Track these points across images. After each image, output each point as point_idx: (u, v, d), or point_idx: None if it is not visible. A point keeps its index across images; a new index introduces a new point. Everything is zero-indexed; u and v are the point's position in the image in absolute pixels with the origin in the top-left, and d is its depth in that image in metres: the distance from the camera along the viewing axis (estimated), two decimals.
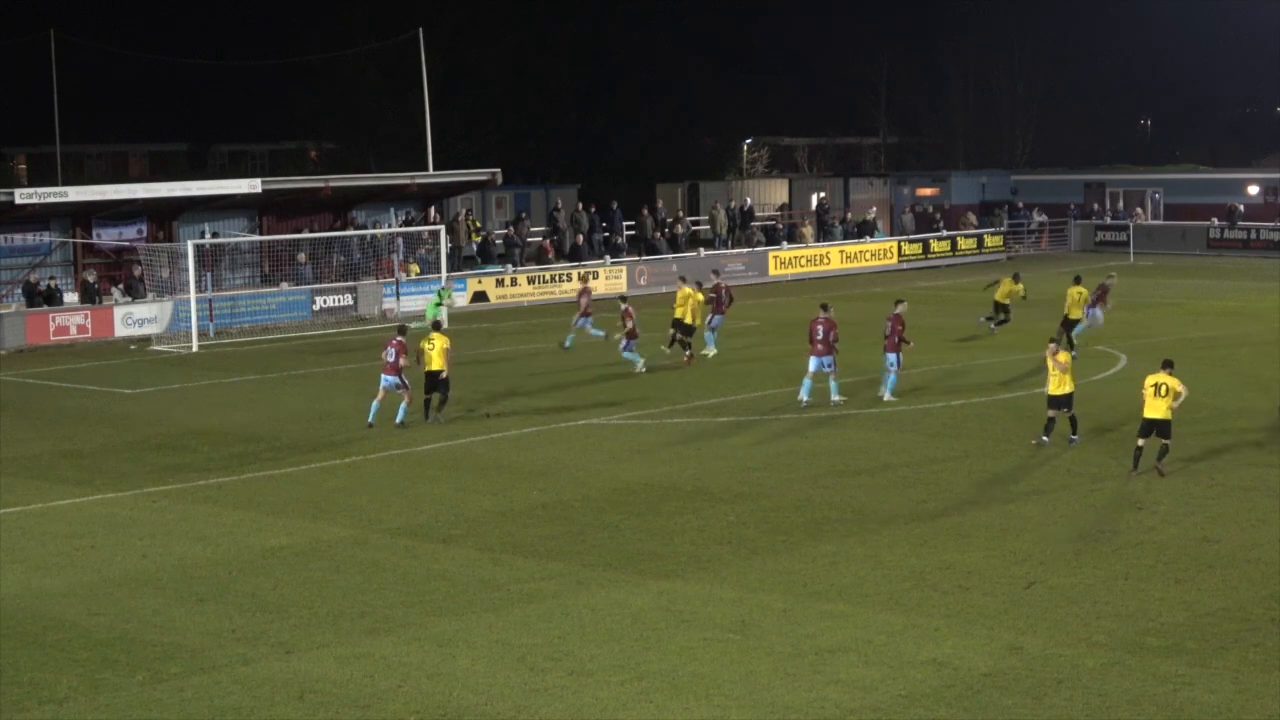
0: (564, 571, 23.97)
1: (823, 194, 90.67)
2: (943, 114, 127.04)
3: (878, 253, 77.15)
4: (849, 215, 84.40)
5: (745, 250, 74.01)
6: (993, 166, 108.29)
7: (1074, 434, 32.28)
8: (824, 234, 79.85)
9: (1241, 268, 74.41)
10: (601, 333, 47.44)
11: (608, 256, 69.72)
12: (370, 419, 35.54)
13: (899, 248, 78.18)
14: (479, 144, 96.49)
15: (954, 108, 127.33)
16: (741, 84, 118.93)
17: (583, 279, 59.80)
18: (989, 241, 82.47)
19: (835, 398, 37.26)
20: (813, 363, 37.43)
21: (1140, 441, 29.55)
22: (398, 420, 35.37)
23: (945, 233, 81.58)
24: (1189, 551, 24.43)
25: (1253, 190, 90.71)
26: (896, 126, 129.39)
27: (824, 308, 38.36)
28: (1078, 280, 46.99)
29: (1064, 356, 31.99)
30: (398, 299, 59.46)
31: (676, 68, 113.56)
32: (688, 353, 44.63)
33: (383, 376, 35.58)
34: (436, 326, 37.69)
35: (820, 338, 37.22)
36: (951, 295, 63.67)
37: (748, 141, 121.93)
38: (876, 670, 19.48)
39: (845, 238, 79.06)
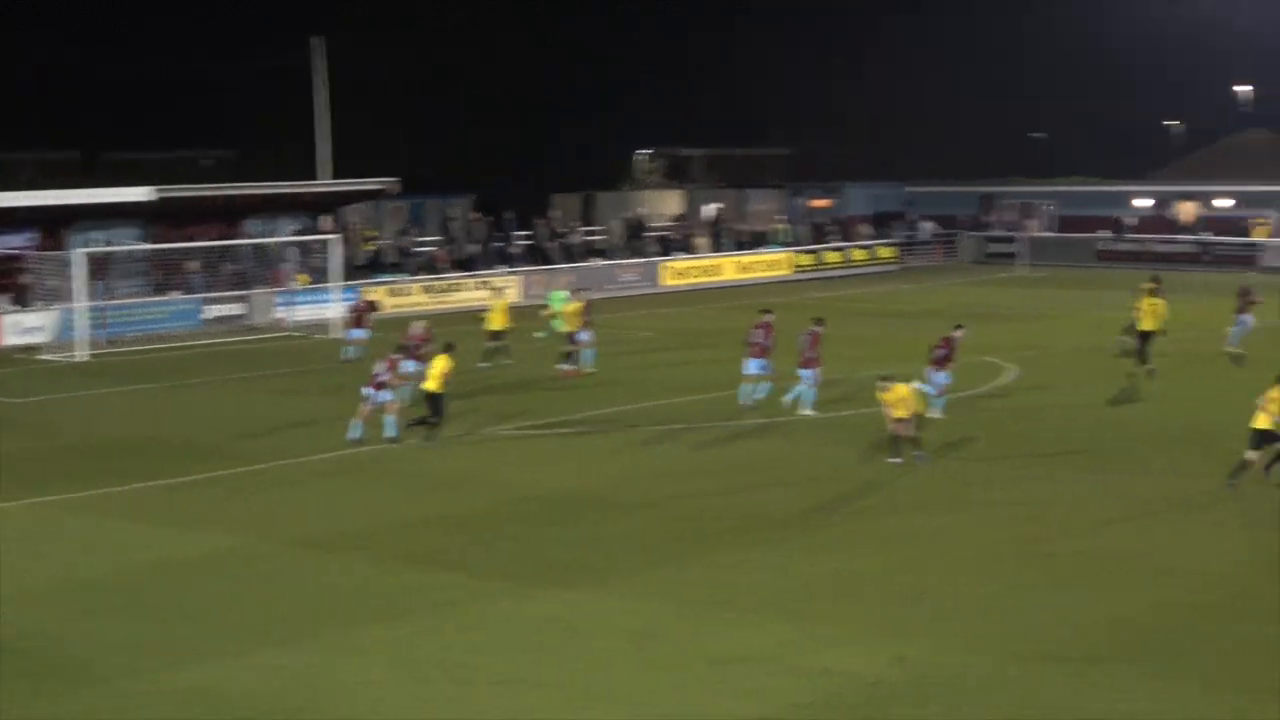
0: (461, 582, 23.85)
1: (718, 205, 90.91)
2: (837, 126, 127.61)
3: (771, 263, 77.40)
4: (744, 226, 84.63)
5: (639, 260, 74.06)
6: (887, 178, 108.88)
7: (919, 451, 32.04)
8: (718, 245, 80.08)
9: (1131, 279, 75.01)
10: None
11: (502, 266, 69.52)
12: (357, 434, 34.57)
13: (793, 258, 78.48)
14: (376, 153, 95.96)
15: (849, 119, 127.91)
16: (640, 94, 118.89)
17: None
18: (882, 253, 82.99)
19: (806, 410, 37.23)
20: (752, 365, 37.79)
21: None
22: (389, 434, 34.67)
23: (839, 243, 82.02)
24: (1080, 559, 24.62)
25: (1142, 202, 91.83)
26: (792, 137, 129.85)
27: (766, 312, 38.83)
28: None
29: (901, 390, 31.92)
30: (290, 308, 58.98)
31: (574, 78, 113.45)
32: (569, 365, 44.55)
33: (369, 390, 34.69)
34: (449, 349, 35.40)
35: (759, 341, 37.71)
36: (844, 306, 63.94)
37: (643, 152, 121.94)
38: (770, 679, 19.50)
39: (740, 248, 79.30)
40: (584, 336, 45.34)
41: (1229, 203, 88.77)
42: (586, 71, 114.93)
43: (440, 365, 34.33)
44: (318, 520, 27.93)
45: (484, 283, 64.18)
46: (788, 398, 37.57)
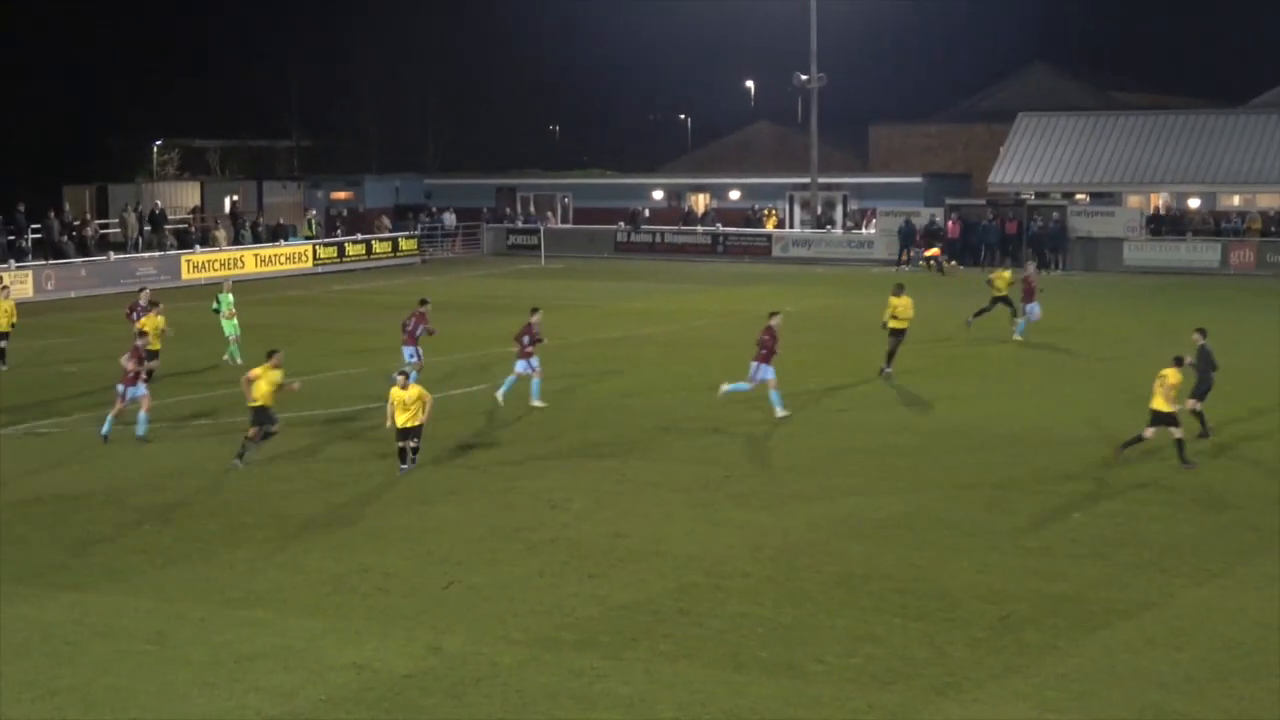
0: None
1: (235, 197, 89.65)
2: (354, 117, 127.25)
3: (292, 256, 76.69)
4: (261, 219, 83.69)
5: (158, 254, 72.50)
6: (407, 170, 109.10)
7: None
8: (237, 237, 79.01)
9: (648, 270, 77.05)
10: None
11: (12, 261, 67.15)
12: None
13: (314, 251, 77.91)
14: None
15: (366, 110, 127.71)
16: (150, 83, 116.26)
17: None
18: (404, 245, 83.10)
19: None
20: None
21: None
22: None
23: (360, 236, 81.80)
24: (601, 547, 25.13)
25: (657, 195, 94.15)
26: (309, 129, 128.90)
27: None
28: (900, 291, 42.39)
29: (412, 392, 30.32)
30: None
31: (83, 63, 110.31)
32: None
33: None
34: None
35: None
36: (366, 298, 63.82)
37: (158, 143, 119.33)
38: (296, 675, 19.35)
39: (258, 241, 78.39)
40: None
41: (738, 194, 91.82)
42: (97, 58, 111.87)
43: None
44: None
45: None
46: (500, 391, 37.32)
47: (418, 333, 39.47)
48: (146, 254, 72.65)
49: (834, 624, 21.20)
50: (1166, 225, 77.09)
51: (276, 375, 30.95)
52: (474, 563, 24.25)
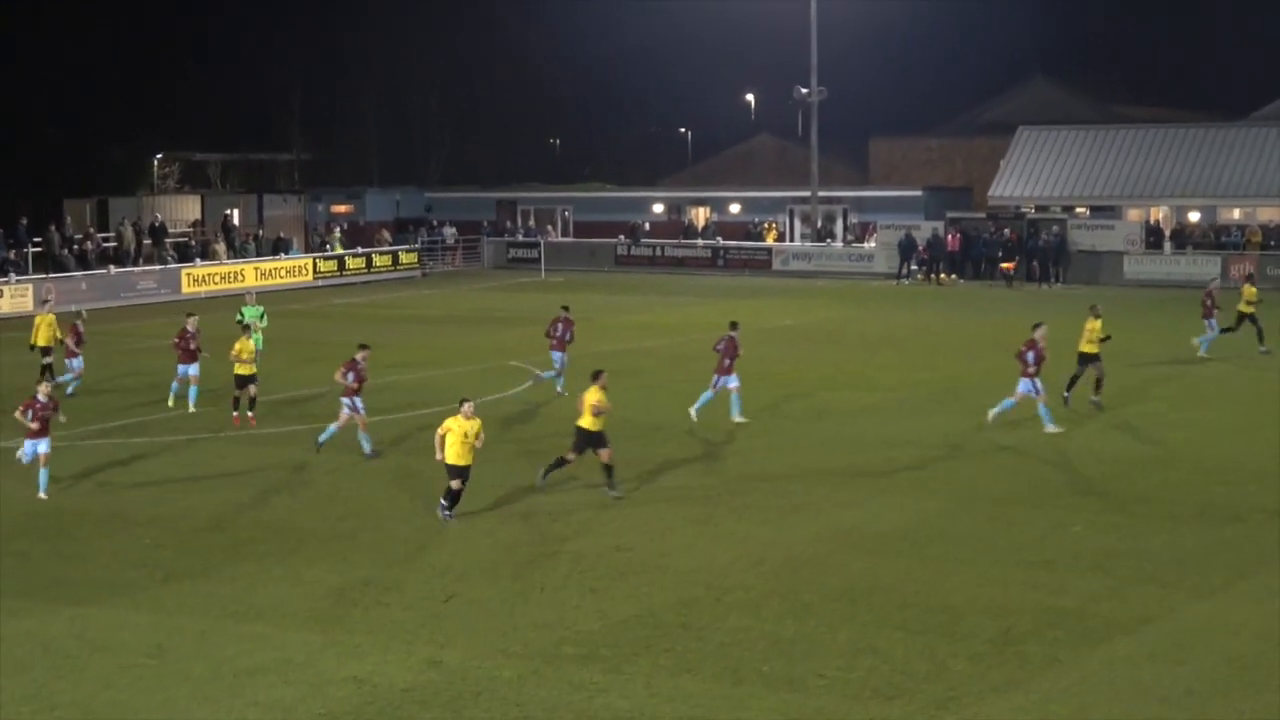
0: None
1: (236, 210, 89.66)
2: (355, 130, 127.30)
3: (293, 269, 76.69)
4: (261, 232, 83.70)
5: (158, 267, 72.52)
6: (407, 184, 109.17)
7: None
8: (237, 250, 79.05)
9: (648, 283, 77.06)
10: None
11: (13, 274, 67.16)
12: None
13: (314, 265, 77.92)
14: None
15: (367, 124, 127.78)
16: (151, 96, 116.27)
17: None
18: (404, 258, 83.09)
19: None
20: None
21: None
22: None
23: (360, 250, 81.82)
24: (602, 560, 25.11)
25: (657, 208, 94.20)
26: (310, 142, 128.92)
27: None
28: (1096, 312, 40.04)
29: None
30: None
31: (83, 77, 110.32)
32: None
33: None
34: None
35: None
36: (366, 312, 63.84)
37: (158, 157, 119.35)
38: (296, 690, 19.33)
39: (260, 255, 78.43)
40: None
41: (738, 207, 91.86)
42: (99, 71, 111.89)
43: None
44: None
45: None
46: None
47: (566, 338, 41.13)
48: (146, 267, 72.65)
49: (835, 638, 21.17)
50: (1168, 238, 77.08)
51: (597, 396, 29.28)
52: (474, 576, 24.24)
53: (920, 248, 76.46)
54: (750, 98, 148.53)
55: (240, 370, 36.51)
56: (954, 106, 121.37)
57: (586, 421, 29.02)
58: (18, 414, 29.94)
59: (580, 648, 20.86)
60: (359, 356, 33.52)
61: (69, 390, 41.22)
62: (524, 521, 27.70)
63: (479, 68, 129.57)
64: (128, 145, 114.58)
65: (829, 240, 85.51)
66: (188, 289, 70.77)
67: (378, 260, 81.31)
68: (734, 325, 37.65)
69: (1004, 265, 73.84)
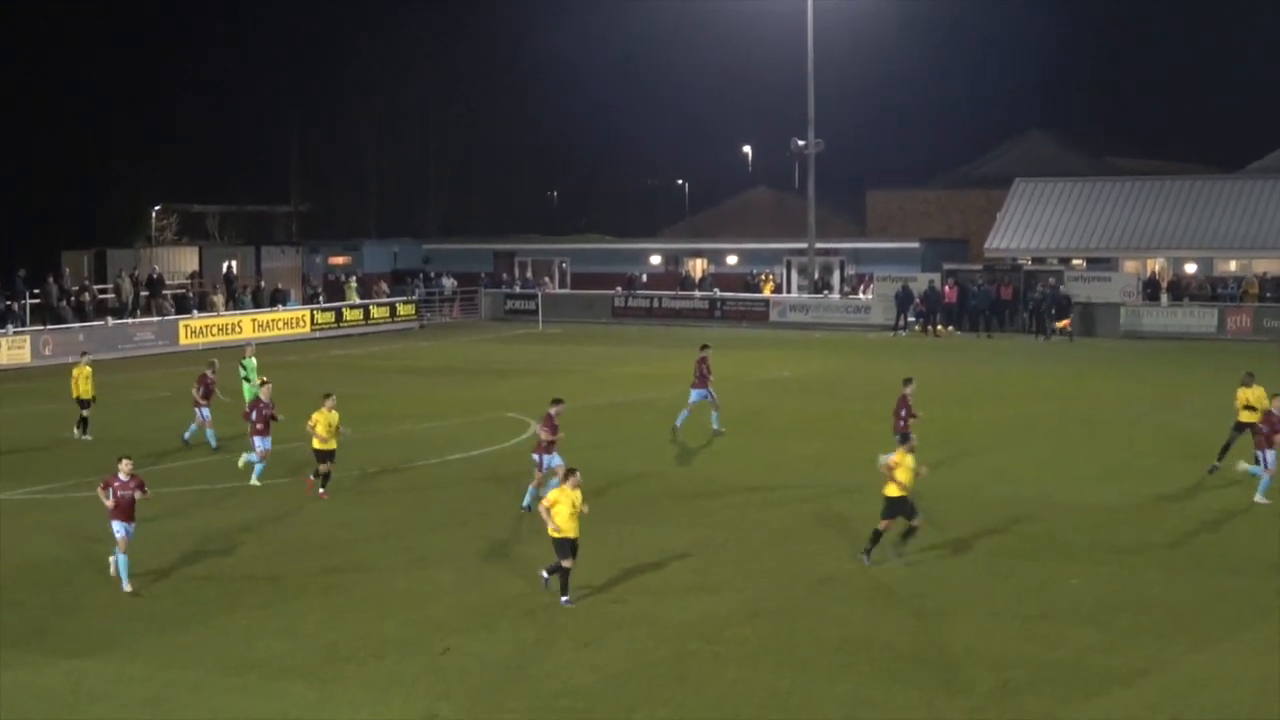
0: None
1: (234, 262, 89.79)
2: (353, 182, 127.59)
3: (290, 321, 76.72)
4: (262, 283, 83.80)
5: (156, 319, 72.56)
6: (405, 235, 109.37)
7: None
8: (234, 302, 79.14)
9: (645, 335, 77.08)
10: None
11: (10, 326, 67.19)
12: None
13: (311, 316, 77.95)
14: None
15: (365, 175, 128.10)
16: (149, 148, 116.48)
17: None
18: (402, 310, 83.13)
19: (717, 426, 42.24)
20: (693, 394, 42.47)
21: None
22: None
23: (358, 301, 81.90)
24: (598, 613, 25.03)
25: (655, 260, 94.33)
26: (308, 194, 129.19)
27: (704, 347, 43.45)
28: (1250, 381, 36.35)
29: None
30: None
31: (81, 128, 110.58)
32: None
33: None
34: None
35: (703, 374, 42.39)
36: (365, 363, 63.82)
37: (156, 208, 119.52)
38: None
39: (257, 306, 78.52)
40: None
41: (735, 259, 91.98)
42: (99, 123, 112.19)
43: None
44: None
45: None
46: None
47: (709, 375, 42.75)
48: (144, 319, 72.69)
49: (833, 690, 21.11)
50: (1165, 290, 77.15)
51: (909, 461, 28.39)
52: (471, 629, 24.17)
53: (917, 299, 76.47)
54: (747, 149, 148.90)
55: (318, 445, 34.09)
56: (950, 159, 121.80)
57: (894, 490, 28.20)
58: (99, 491, 27.02)
59: (577, 701, 20.79)
60: (553, 411, 32.98)
61: (185, 435, 41.47)
62: (520, 574, 27.62)
63: (477, 120, 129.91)
64: (126, 197, 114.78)
65: (826, 292, 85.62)
66: (185, 340, 70.77)
67: (375, 312, 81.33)
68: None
69: (1060, 323, 72.50)
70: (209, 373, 41.65)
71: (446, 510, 32.78)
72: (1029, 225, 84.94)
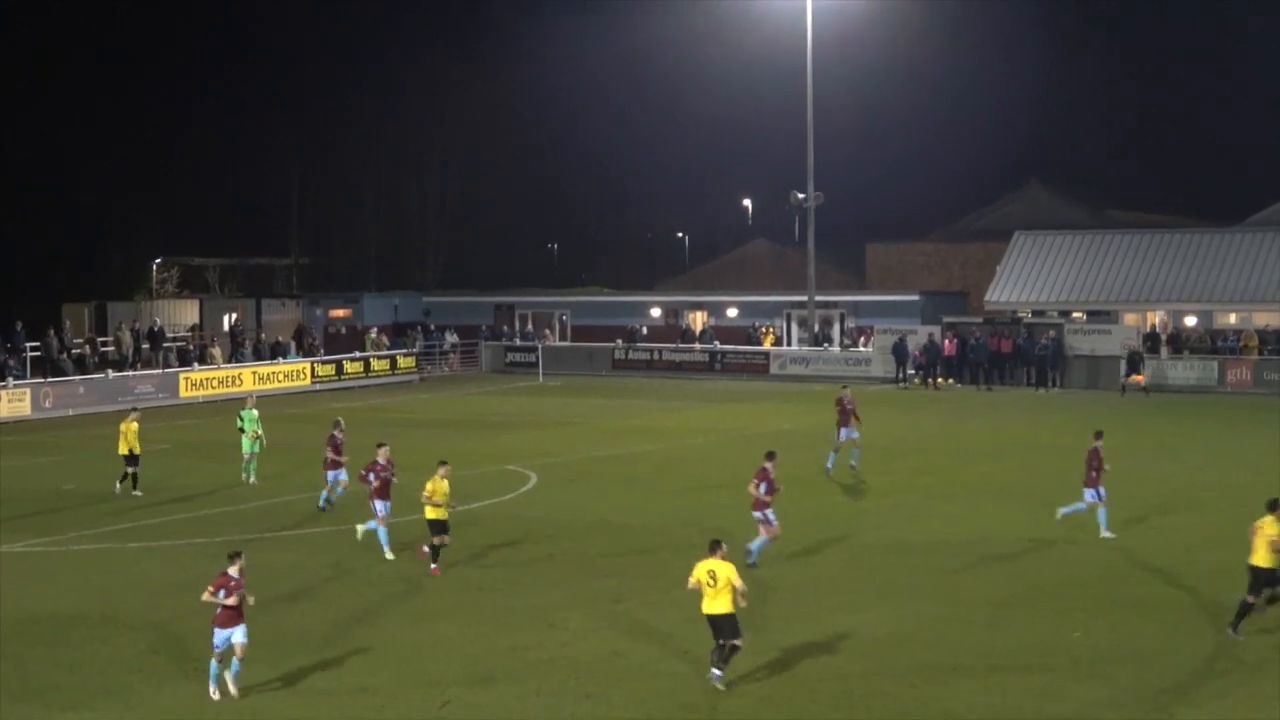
0: None
1: (234, 315, 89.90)
2: (353, 235, 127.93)
3: (290, 374, 76.75)
4: (262, 336, 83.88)
5: (157, 372, 72.59)
6: (405, 288, 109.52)
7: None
8: (235, 355, 79.21)
9: (646, 387, 77.07)
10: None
11: (10, 379, 67.19)
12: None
13: (312, 369, 77.99)
14: None
15: (365, 228, 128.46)
16: (150, 201, 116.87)
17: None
18: (402, 362, 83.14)
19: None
20: (841, 433, 44.82)
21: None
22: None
23: (358, 354, 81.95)
24: (599, 665, 24.98)
25: (655, 312, 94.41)
26: (308, 247, 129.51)
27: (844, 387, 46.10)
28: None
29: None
30: None
31: (84, 182, 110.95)
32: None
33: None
34: None
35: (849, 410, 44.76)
36: (365, 416, 63.79)
37: (157, 261, 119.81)
38: None
39: (258, 359, 78.59)
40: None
41: (735, 311, 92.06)
42: (100, 176, 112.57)
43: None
44: None
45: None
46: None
47: (850, 410, 44.59)
48: (145, 371, 72.70)
49: None
50: (1165, 343, 77.13)
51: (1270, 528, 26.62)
52: (471, 682, 24.12)
53: (916, 352, 76.47)
54: (747, 202, 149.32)
55: (432, 514, 32.11)
56: (950, 211, 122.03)
57: (1261, 559, 26.70)
58: (206, 596, 23.95)
59: None
60: (768, 465, 32.61)
61: (321, 504, 39.52)
62: (520, 627, 27.56)
63: (478, 173, 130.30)
64: (127, 250, 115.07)
65: (826, 344, 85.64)
66: (186, 393, 70.78)
67: (375, 364, 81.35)
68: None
69: (1135, 378, 71.08)
70: (336, 433, 39.54)
71: (446, 562, 32.70)
72: (1029, 278, 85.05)
